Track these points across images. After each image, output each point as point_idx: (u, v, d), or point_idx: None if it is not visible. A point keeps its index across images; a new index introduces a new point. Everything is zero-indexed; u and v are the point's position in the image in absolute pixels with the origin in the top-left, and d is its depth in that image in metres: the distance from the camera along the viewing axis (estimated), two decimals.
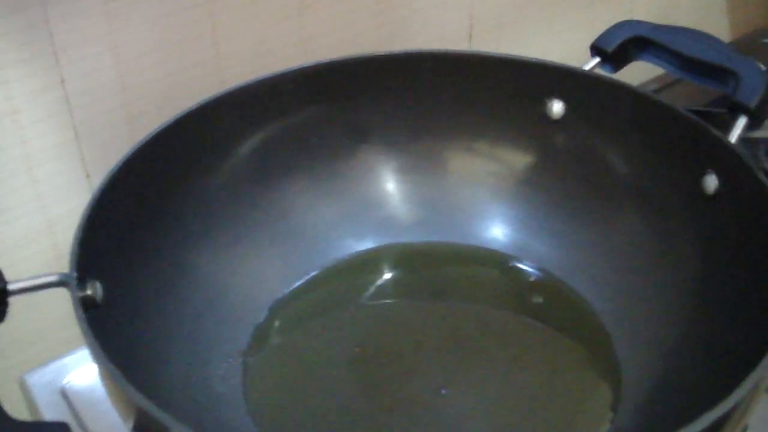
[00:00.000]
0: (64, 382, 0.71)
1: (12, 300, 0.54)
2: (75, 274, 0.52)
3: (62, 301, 0.79)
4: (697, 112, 0.65)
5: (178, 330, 0.64)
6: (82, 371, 0.72)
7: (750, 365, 0.45)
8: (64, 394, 0.71)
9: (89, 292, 0.55)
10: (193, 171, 0.68)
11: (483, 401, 0.63)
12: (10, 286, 0.53)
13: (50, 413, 0.69)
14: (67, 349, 0.74)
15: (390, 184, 0.77)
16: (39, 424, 0.43)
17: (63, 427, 0.43)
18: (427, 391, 0.63)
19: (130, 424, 0.49)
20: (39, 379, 0.72)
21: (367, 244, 0.76)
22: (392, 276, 0.74)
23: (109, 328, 0.54)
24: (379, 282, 0.73)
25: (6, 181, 0.76)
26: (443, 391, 0.63)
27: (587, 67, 0.71)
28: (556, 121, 0.73)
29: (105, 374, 0.47)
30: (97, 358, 0.48)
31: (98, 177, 0.81)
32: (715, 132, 0.63)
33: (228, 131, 0.70)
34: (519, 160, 0.75)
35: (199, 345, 0.65)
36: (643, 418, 0.61)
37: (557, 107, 0.73)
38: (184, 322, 0.64)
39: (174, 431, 0.43)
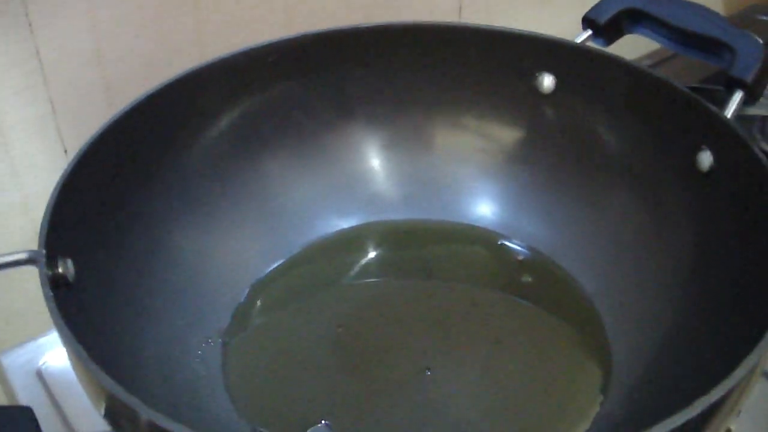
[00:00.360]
0: (40, 363, 0.69)
1: None
2: (44, 251, 0.50)
3: (37, 281, 0.77)
4: (692, 89, 0.63)
5: (155, 310, 0.62)
6: (58, 352, 0.70)
7: (747, 347, 0.44)
8: (40, 376, 0.69)
9: (60, 270, 0.53)
10: (171, 145, 0.66)
11: (469, 382, 0.61)
12: None
13: (26, 395, 0.67)
14: (43, 330, 0.72)
15: (375, 160, 0.75)
16: (1, 408, 0.41)
17: (26, 412, 0.41)
18: (411, 372, 0.61)
19: (101, 410, 0.47)
20: (14, 361, 0.70)
21: (351, 222, 0.74)
22: (377, 254, 0.72)
23: (82, 309, 0.52)
24: (363, 261, 0.71)
25: None
26: (428, 372, 0.61)
27: (578, 40, 0.69)
28: (547, 96, 0.71)
29: (73, 357, 0.45)
30: (65, 340, 0.46)
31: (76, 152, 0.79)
32: (711, 107, 0.61)
33: (208, 105, 0.68)
34: (508, 135, 0.73)
35: (177, 326, 0.63)
36: (634, 401, 0.59)
37: (548, 81, 0.71)
38: (161, 303, 0.63)
39: (144, 416, 0.41)
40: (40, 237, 0.51)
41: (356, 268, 0.71)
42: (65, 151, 0.78)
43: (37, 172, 0.77)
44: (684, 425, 0.40)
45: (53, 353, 0.70)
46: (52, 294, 0.48)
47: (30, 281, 0.78)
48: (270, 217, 0.71)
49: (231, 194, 0.69)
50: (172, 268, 0.65)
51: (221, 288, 0.67)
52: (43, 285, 0.48)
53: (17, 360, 0.70)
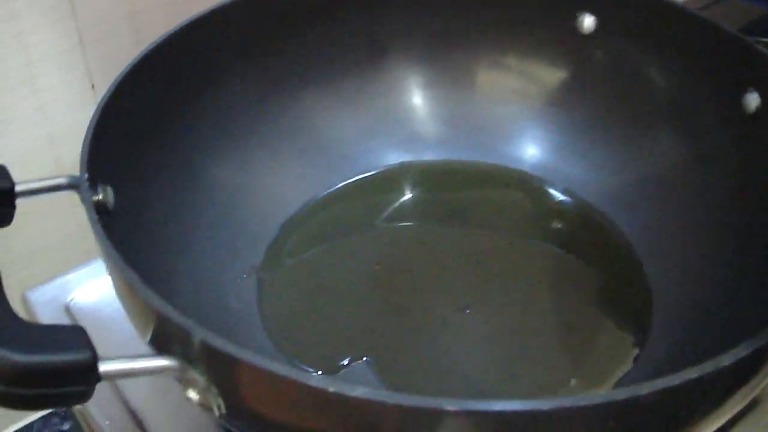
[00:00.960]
0: (68, 299, 0.68)
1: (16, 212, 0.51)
2: (86, 176, 0.49)
3: (66, 217, 0.76)
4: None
5: (191, 242, 0.61)
6: (86, 288, 0.69)
7: None
8: (68, 312, 0.68)
9: (101, 197, 0.51)
10: (208, 78, 0.64)
11: (508, 322, 0.60)
12: (18, 187, 0.49)
13: None
14: (71, 266, 0.71)
15: (413, 99, 0.73)
16: (54, 328, 0.40)
17: (78, 331, 0.40)
18: (451, 310, 0.61)
19: (148, 335, 0.46)
20: (41, 296, 0.69)
21: (387, 161, 0.72)
22: (412, 196, 0.71)
23: (120, 237, 0.51)
24: (398, 202, 0.70)
25: (6, 91, 0.72)
26: (467, 311, 0.60)
27: None
28: (587, 36, 0.70)
29: (121, 280, 0.44)
30: (112, 263, 0.45)
31: (104, 88, 0.77)
32: (759, 47, 0.60)
33: (242, 39, 0.67)
34: (549, 76, 0.72)
35: (212, 259, 0.62)
36: (675, 348, 0.58)
37: (588, 22, 0.70)
38: (196, 235, 0.62)
39: (186, 328, 0.40)
40: (81, 161, 0.50)
41: (390, 209, 0.69)
42: (92, 86, 0.77)
43: (64, 107, 0.76)
44: (735, 364, 0.39)
45: (81, 289, 0.69)
46: (97, 217, 0.47)
47: (56, 218, 0.77)
48: (305, 154, 0.70)
49: (267, 130, 0.68)
50: (208, 202, 0.63)
51: (256, 223, 0.66)
52: (87, 209, 0.47)
53: (44, 296, 0.69)
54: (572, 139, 0.71)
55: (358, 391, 0.37)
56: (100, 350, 0.56)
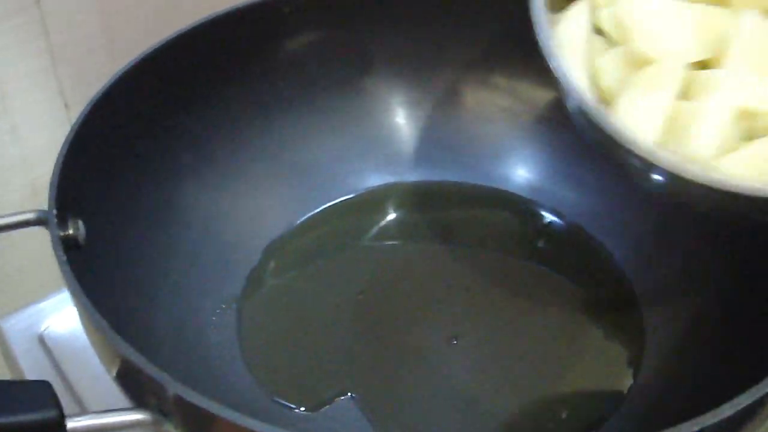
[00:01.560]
0: (42, 328, 0.66)
1: None
2: (54, 211, 0.47)
3: (39, 242, 0.73)
4: None
5: (168, 274, 0.59)
6: (61, 317, 0.67)
7: None
8: (42, 341, 0.65)
9: (71, 231, 0.49)
10: (184, 100, 0.62)
11: (496, 352, 0.58)
12: None
13: (28, 362, 0.64)
14: (45, 294, 0.69)
15: (397, 119, 0.71)
16: (17, 384, 0.38)
17: (44, 386, 0.38)
18: (438, 341, 0.59)
19: (113, 373, 0.44)
20: (15, 325, 0.67)
21: (371, 182, 0.70)
22: (397, 216, 0.69)
23: (93, 272, 0.49)
24: (382, 222, 0.68)
25: None
26: (455, 341, 0.59)
27: None
28: None
29: (87, 321, 0.42)
30: (78, 303, 0.43)
31: (77, 108, 0.74)
32: None
33: (219, 58, 0.64)
34: (538, 96, 0.70)
35: (190, 290, 0.60)
36: (667, 375, 0.57)
37: None
38: (174, 266, 0.60)
39: (160, 381, 0.38)
40: (50, 195, 0.48)
41: (375, 230, 0.67)
42: (66, 106, 0.75)
43: (37, 127, 0.74)
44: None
45: (55, 318, 0.67)
46: (65, 257, 0.44)
47: (30, 243, 0.74)
48: (286, 176, 0.68)
49: (246, 153, 0.66)
50: (185, 229, 0.61)
51: (235, 250, 0.64)
52: (55, 247, 0.45)
53: (18, 325, 0.67)
54: (562, 160, 0.69)
55: None
56: (78, 383, 0.54)
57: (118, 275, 0.54)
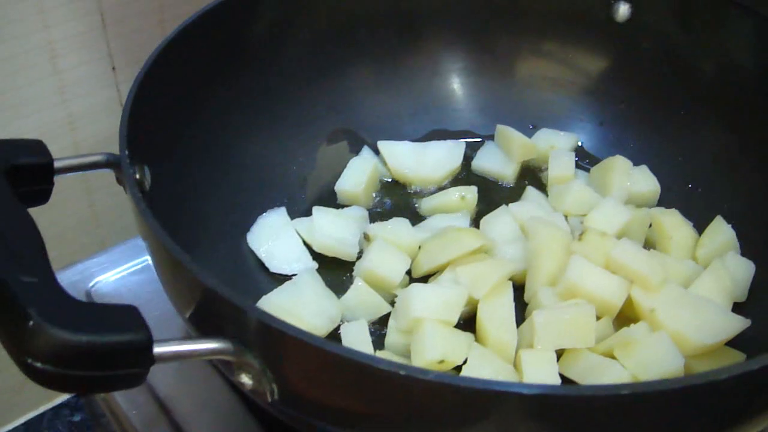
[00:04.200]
0: (90, 285, 0.66)
1: None
2: (126, 152, 0.47)
3: (80, 203, 0.74)
4: None
5: (225, 212, 0.61)
6: (107, 275, 0.67)
7: None
8: (90, 298, 0.66)
9: (137, 176, 0.50)
10: (240, 58, 0.63)
11: None
12: (57, 163, 0.47)
13: None
14: (92, 252, 0.69)
15: (453, 85, 0.72)
16: (109, 307, 0.38)
17: (133, 311, 0.38)
18: None
19: (190, 309, 0.44)
20: (63, 282, 0.66)
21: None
22: None
23: (158, 214, 0.49)
24: None
25: (26, 70, 0.70)
26: None
27: None
28: (623, 24, 0.69)
29: (167, 257, 0.42)
30: (155, 240, 0.43)
31: (125, 71, 0.75)
32: None
33: (273, 20, 0.65)
34: (590, 65, 0.71)
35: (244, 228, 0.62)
36: None
37: (623, 9, 0.69)
38: (229, 205, 0.61)
39: (254, 317, 0.38)
40: (120, 139, 0.48)
41: None
42: (113, 68, 0.75)
43: (84, 89, 0.74)
44: None
45: (102, 276, 0.67)
46: (140, 194, 0.45)
47: (81, 202, 0.75)
48: (339, 133, 0.69)
49: (300, 111, 0.67)
50: (239, 172, 0.63)
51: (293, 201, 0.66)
52: (129, 185, 0.46)
53: (65, 281, 0.67)
54: (607, 129, 0.70)
55: (432, 375, 0.36)
56: None
57: (179, 217, 0.54)
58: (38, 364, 0.36)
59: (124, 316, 0.38)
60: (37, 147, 0.47)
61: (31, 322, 0.36)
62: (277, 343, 0.39)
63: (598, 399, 0.36)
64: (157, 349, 0.38)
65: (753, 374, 0.36)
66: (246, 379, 0.41)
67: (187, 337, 0.40)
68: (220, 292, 0.39)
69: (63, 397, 0.87)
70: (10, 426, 0.85)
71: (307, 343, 0.37)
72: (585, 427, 0.38)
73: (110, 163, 0.50)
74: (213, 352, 0.40)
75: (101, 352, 0.37)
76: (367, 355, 0.37)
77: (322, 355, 0.37)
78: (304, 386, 0.41)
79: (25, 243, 0.40)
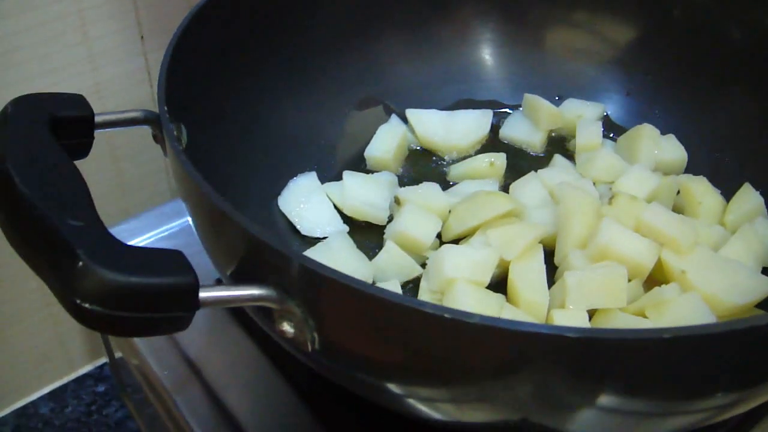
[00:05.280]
0: None
1: None
2: (166, 108, 0.47)
3: (110, 173, 0.74)
4: None
5: (256, 171, 0.61)
6: (135, 241, 0.68)
7: None
8: None
9: (174, 133, 0.50)
10: (271, 26, 0.63)
11: None
12: (97, 118, 0.48)
13: None
14: (118, 220, 0.70)
15: (482, 53, 0.72)
16: (155, 251, 0.39)
17: (179, 255, 0.39)
18: None
19: (232, 268, 0.45)
20: None
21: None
22: None
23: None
24: None
25: (57, 37, 0.70)
26: None
27: None
28: None
29: (211, 208, 0.43)
30: (198, 191, 0.43)
31: (153, 40, 0.76)
32: None
33: None
34: (618, 35, 0.71)
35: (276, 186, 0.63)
36: None
37: None
38: (260, 165, 0.62)
39: (297, 262, 0.39)
40: (159, 95, 0.49)
41: None
42: (141, 38, 0.75)
43: (113, 57, 0.74)
44: None
45: (130, 241, 0.68)
46: (180, 147, 0.45)
47: (107, 170, 0.76)
48: (372, 98, 0.70)
49: (331, 76, 0.67)
50: (268, 143, 0.63)
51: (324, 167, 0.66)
52: (170, 140, 0.46)
53: None
54: (635, 100, 0.70)
55: (476, 318, 0.36)
56: None
57: (213, 178, 0.54)
58: (87, 305, 0.37)
59: (171, 259, 0.38)
60: (79, 101, 0.48)
61: (80, 263, 0.36)
62: (321, 288, 0.39)
63: (641, 342, 0.36)
64: (203, 294, 0.39)
65: None
66: (287, 327, 0.42)
67: (230, 284, 0.40)
68: (263, 238, 0.40)
69: (87, 368, 0.88)
70: (34, 396, 0.86)
71: (352, 287, 0.38)
72: (625, 372, 0.38)
73: (148, 119, 0.50)
74: (257, 298, 0.41)
75: (149, 293, 0.37)
76: (413, 299, 0.37)
77: (367, 300, 0.38)
78: (345, 335, 0.42)
79: (72, 190, 0.41)
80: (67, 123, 0.47)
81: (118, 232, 0.68)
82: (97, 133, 0.49)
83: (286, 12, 0.64)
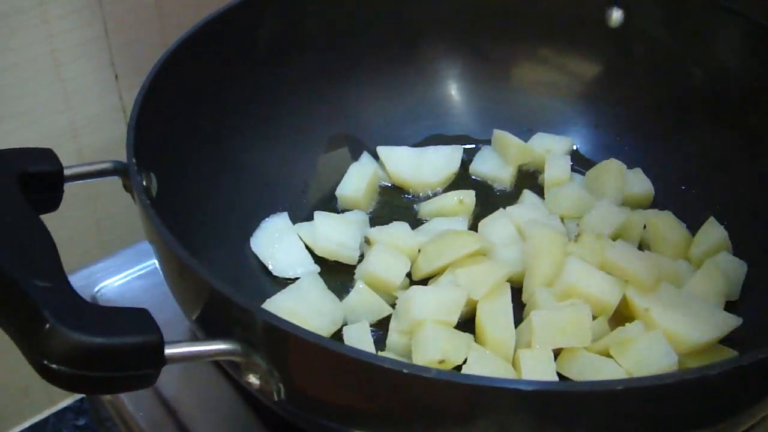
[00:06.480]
0: (95, 290, 0.67)
1: None
2: (134, 160, 0.48)
3: (84, 210, 0.75)
4: None
5: (227, 218, 0.62)
6: (112, 280, 0.68)
7: None
8: (95, 302, 0.67)
9: (144, 183, 0.51)
10: (238, 69, 0.64)
11: None
12: (67, 171, 0.49)
13: None
14: (91, 259, 0.70)
15: (450, 91, 0.73)
16: (120, 310, 0.40)
17: (144, 313, 0.40)
18: None
19: (196, 314, 0.45)
20: None
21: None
22: None
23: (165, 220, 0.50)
24: None
25: (31, 78, 0.71)
26: None
27: None
28: (616, 30, 0.70)
29: (176, 261, 0.44)
30: (165, 246, 0.44)
31: (127, 79, 0.77)
32: None
33: (270, 29, 0.66)
34: (584, 70, 0.72)
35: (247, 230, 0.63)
36: None
37: (616, 16, 0.70)
38: (231, 209, 0.62)
39: (261, 319, 0.40)
40: (128, 146, 0.50)
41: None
42: (116, 77, 0.76)
43: (87, 97, 0.75)
44: None
45: (107, 281, 0.68)
46: (148, 201, 0.46)
47: (85, 208, 0.76)
48: (339, 138, 0.70)
49: (297, 118, 0.68)
50: (243, 185, 0.64)
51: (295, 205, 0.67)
52: (138, 193, 0.47)
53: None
54: (603, 133, 0.72)
55: (433, 372, 0.37)
56: None
57: (184, 222, 0.55)
58: (54, 366, 0.37)
59: (136, 318, 0.39)
60: (48, 155, 0.49)
61: (47, 325, 0.37)
62: (284, 343, 0.40)
63: (594, 394, 0.37)
64: (169, 351, 0.40)
65: (742, 369, 0.38)
66: (253, 379, 0.43)
67: (196, 339, 0.41)
68: (228, 294, 0.41)
69: (67, 401, 0.88)
70: (16, 430, 0.86)
71: (313, 343, 0.39)
72: (582, 422, 0.39)
73: (118, 170, 0.51)
74: (222, 353, 0.41)
75: (115, 353, 0.38)
76: (371, 354, 0.38)
77: (327, 354, 0.39)
78: (309, 385, 0.42)
79: (39, 248, 0.42)
80: (36, 178, 0.48)
81: (94, 271, 0.69)
82: None
83: (255, 55, 0.65)
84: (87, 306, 0.39)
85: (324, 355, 0.39)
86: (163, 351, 0.39)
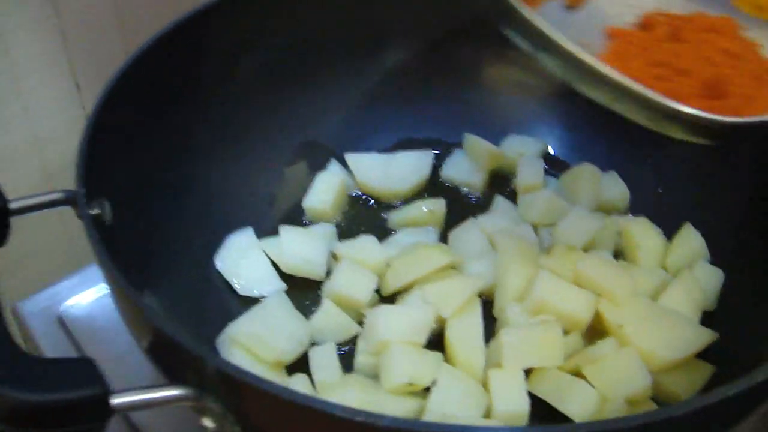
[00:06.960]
0: (60, 309, 0.66)
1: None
2: (83, 191, 0.47)
3: (53, 226, 0.73)
4: None
5: (189, 242, 0.60)
6: (78, 297, 0.67)
7: None
8: (61, 322, 0.65)
9: (97, 210, 0.49)
10: (197, 80, 0.62)
11: None
12: (12, 205, 0.47)
13: (48, 343, 0.63)
14: (62, 275, 0.69)
15: (422, 94, 0.72)
16: (62, 362, 0.38)
17: (87, 364, 0.38)
18: None
19: (145, 345, 0.44)
20: (33, 307, 0.66)
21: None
22: None
23: (119, 250, 0.48)
24: None
25: None
26: None
27: None
28: None
29: (129, 309, 0.42)
30: (114, 282, 0.43)
31: (89, 89, 0.74)
32: None
33: (232, 38, 0.64)
34: None
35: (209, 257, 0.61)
36: None
37: None
38: (192, 233, 0.61)
39: (212, 364, 0.38)
40: (77, 175, 0.48)
41: None
42: (77, 87, 0.74)
43: (49, 109, 0.73)
44: None
45: (73, 299, 0.67)
46: (98, 235, 0.45)
47: (47, 226, 0.74)
48: (299, 149, 0.69)
49: (259, 129, 0.66)
50: (203, 199, 0.62)
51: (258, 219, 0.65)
52: (86, 224, 0.45)
53: (36, 307, 0.67)
54: (573, 131, 0.70)
55: (387, 420, 0.36)
56: (98, 362, 0.53)
57: (145, 244, 0.54)
58: None
59: (80, 370, 0.38)
60: None
61: None
62: (236, 389, 0.39)
63: None
64: (115, 401, 0.38)
65: (706, 409, 0.37)
66: (208, 423, 0.41)
67: (145, 387, 0.40)
68: (178, 339, 0.39)
69: None
70: None
71: (265, 390, 0.37)
72: None
73: (69, 199, 0.49)
74: (173, 399, 0.40)
75: (57, 409, 0.37)
76: (323, 402, 0.37)
77: (280, 401, 0.37)
78: (265, 429, 0.41)
79: None
80: None
81: (60, 289, 0.68)
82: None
83: (213, 67, 0.63)
84: (27, 359, 0.38)
85: (276, 401, 0.38)
86: (108, 402, 0.38)
